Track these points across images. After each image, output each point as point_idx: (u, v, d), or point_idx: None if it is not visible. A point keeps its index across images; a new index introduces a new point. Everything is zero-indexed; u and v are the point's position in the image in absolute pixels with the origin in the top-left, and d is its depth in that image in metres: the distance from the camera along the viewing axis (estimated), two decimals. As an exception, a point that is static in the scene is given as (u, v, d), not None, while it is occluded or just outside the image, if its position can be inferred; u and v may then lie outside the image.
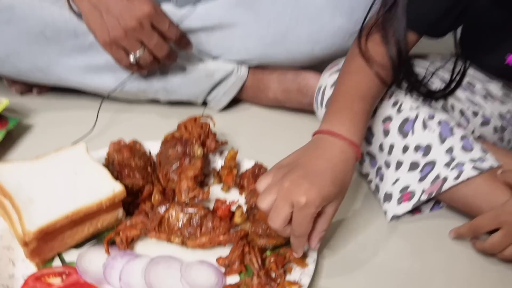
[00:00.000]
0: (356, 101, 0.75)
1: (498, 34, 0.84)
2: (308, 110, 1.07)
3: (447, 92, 0.88)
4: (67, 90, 1.09)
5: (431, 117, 0.81)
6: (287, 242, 0.73)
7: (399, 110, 0.82)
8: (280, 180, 0.64)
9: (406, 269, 0.75)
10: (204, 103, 1.12)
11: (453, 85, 0.89)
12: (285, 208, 0.63)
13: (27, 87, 1.13)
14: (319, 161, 0.66)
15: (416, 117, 0.81)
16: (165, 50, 0.95)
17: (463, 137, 0.80)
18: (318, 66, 1.04)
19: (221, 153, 0.92)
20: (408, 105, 0.82)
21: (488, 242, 0.74)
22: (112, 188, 0.72)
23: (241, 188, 0.85)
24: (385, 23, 0.80)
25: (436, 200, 0.85)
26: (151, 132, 0.95)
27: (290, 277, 0.69)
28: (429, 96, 0.86)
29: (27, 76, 1.04)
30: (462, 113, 0.90)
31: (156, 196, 0.79)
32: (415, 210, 0.84)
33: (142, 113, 1.10)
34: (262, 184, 0.67)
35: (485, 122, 0.91)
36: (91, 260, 0.70)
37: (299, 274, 0.69)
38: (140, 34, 0.92)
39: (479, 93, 0.92)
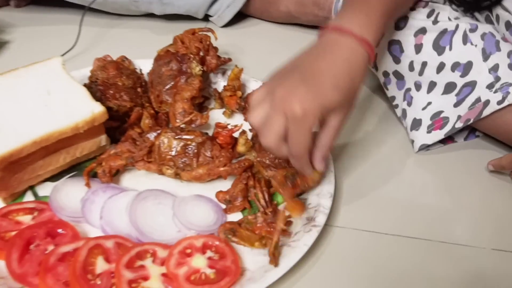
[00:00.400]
0: None
1: None
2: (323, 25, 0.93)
3: (493, 0, 0.74)
4: (49, 2, 0.96)
5: (474, 28, 0.68)
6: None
7: (435, 21, 0.69)
8: (273, 89, 0.53)
9: (434, 206, 0.66)
10: (206, 18, 0.99)
11: (501, -9, 0.75)
12: (277, 120, 0.52)
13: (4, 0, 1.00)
14: (321, 62, 0.54)
15: (456, 29, 0.68)
16: None
17: (510, 53, 0.67)
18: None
19: (223, 72, 0.79)
20: (446, 15, 0.69)
21: (535, 176, 0.64)
22: (91, 109, 0.61)
23: (246, 112, 0.73)
24: None
25: (472, 128, 0.74)
26: (143, 50, 0.82)
27: (303, 215, 0.59)
28: (472, 6, 0.72)
29: (-2, -16, 0.91)
30: (508, 25, 0.76)
31: (146, 121, 0.68)
32: (447, 139, 0.74)
33: (134, 28, 0.97)
34: (254, 96, 0.55)
35: (534, 38, 0.77)
36: (68, 194, 0.60)
37: (313, 212, 0.59)
38: None
39: (530, 2, 0.77)
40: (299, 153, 0.54)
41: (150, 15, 0.97)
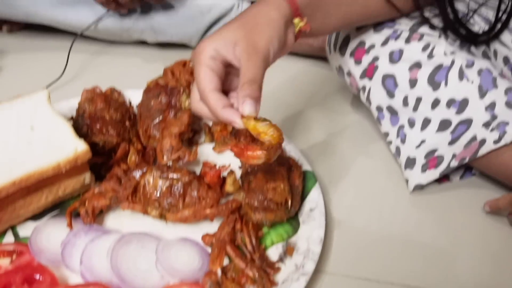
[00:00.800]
0: None
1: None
2: (319, 55, 0.92)
3: (491, 35, 0.72)
4: (43, 27, 0.95)
5: (470, 64, 0.66)
6: (288, 218, 0.60)
7: (430, 55, 0.67)
8: None
9: (429, 250, 0.64)
10: (199, 45, 0.97)
11: (498, 26, 0.73)
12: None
13: (-4, 25, 0.99)
14: None
15: (452, 64, 0.66)
16: None
17: (508, 90, 0.66)
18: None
19: (214, 104, 0.77)
20: (442, 49, 0.68)
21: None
22: (74, 147, 0.59)
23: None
24: None
25: (467, 166, 0.72)
26: (134, 78, 0.81)
27: (291, 261, 0.57)
28: (469, 39, 0.70)
29: (-11, 10, 0.90)
30: (506, 60, 0.74)
31: (132, 157, 0.66)
32: (443, 177, 0.71)
33: (125, 56, 0.96)
34: None
35: (533, 72, 0.75)
36: (50, 236, 0.58)
37: (301, 258, 0.56)
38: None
39: (528, 36, 0.76)
40: (200, 91, 0.51)
41: (142, 42, 0.96)
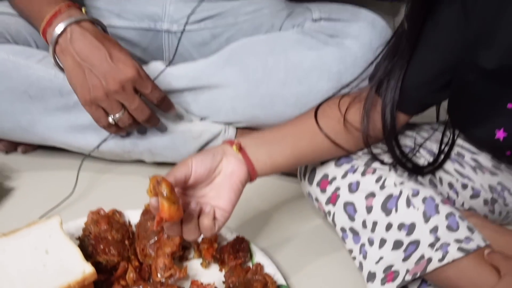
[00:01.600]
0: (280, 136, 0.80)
1: (486, 108, 0.81)
2: (296, 174, 1.05)
3: (436, 165, 0.86)
4: (54, 147, 1.08)
5: (416, 193, 0.78)
6: (263, 331, 0.70)
7: (382, 186, 0.80)
8: None
9: None
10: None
11: (441, 158, 0.87)
12: None
13: (12, 145, 1.12)
14: None
15: (400, 194, 0.78)
16: (145, 114, 0.95)
17: (448, 215, 0.76)
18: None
19: (202, 223, 0.89)
20: (392, 181, 0.80)
21: (476, 331, 0.71)
22: (82, 269, 0.70)
23: (221, 263, 0.83)
24: (368, 101, 0.79)
25: (423, 278, 0.82)
26: (134, 196, 0.92)
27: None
28: (416, 171, 0.84)
29: (9, 135, 1.03)
30: (451, 186, 0.87)
31: (130, 274, 0.77)
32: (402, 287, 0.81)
33: (126, 174, 1.08)
34: None
35: (475, 195, 0.88)
36: None
37: None
38: (122, 97, 0.92)
39: (469, 164, 0.89)
40: None
41: (141, 161, 1.08)
